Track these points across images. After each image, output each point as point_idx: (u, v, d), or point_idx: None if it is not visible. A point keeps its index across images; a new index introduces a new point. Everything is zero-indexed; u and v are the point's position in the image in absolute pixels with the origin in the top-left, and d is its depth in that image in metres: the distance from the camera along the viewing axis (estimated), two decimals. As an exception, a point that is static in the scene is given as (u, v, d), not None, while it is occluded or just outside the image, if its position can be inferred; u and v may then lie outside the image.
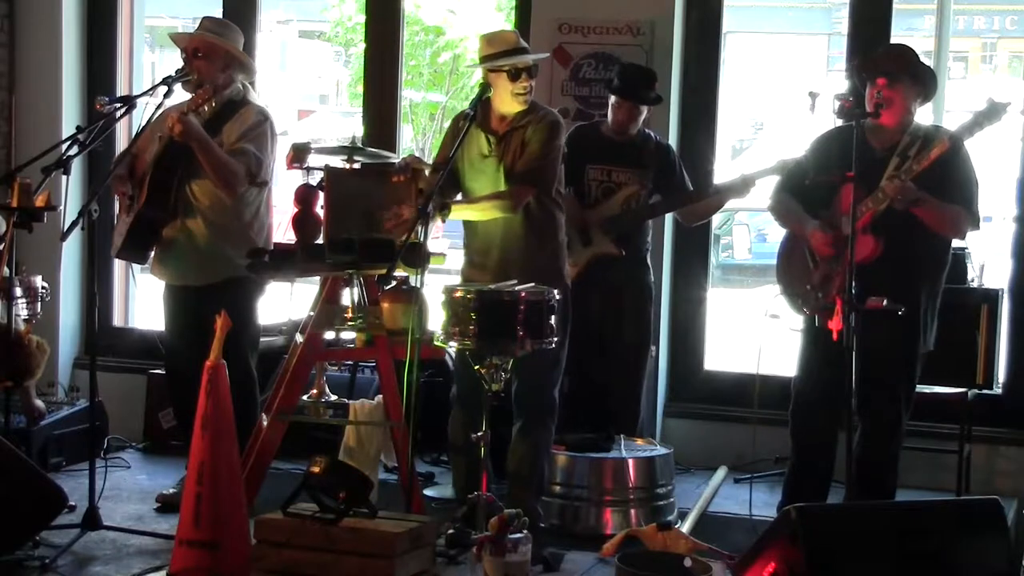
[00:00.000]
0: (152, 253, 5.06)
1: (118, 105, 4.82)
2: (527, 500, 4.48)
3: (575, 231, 5.25)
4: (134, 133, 4.84)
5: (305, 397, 4.70)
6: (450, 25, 13.99)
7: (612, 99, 5.42)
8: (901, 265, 4.54)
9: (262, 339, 5.27)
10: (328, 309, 4.58)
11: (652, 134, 5.53)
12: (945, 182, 4.52)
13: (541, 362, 4.48)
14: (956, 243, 4.90)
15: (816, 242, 4.68)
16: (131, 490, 5.31)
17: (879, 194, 4.49)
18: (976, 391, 5.40)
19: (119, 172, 4.92)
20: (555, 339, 4.31)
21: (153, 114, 4.89)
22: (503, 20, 6.18)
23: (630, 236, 5.41)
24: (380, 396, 4.72)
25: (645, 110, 5.42)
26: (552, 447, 4.89)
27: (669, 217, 5.91)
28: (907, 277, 4.56)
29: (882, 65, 4.65)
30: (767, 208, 5.02)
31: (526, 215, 4.58)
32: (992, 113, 4.44)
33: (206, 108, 4.81)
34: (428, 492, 5.25)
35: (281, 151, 5.01)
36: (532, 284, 4.36)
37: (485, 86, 4.59)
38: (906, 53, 4.72)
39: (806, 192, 4.78)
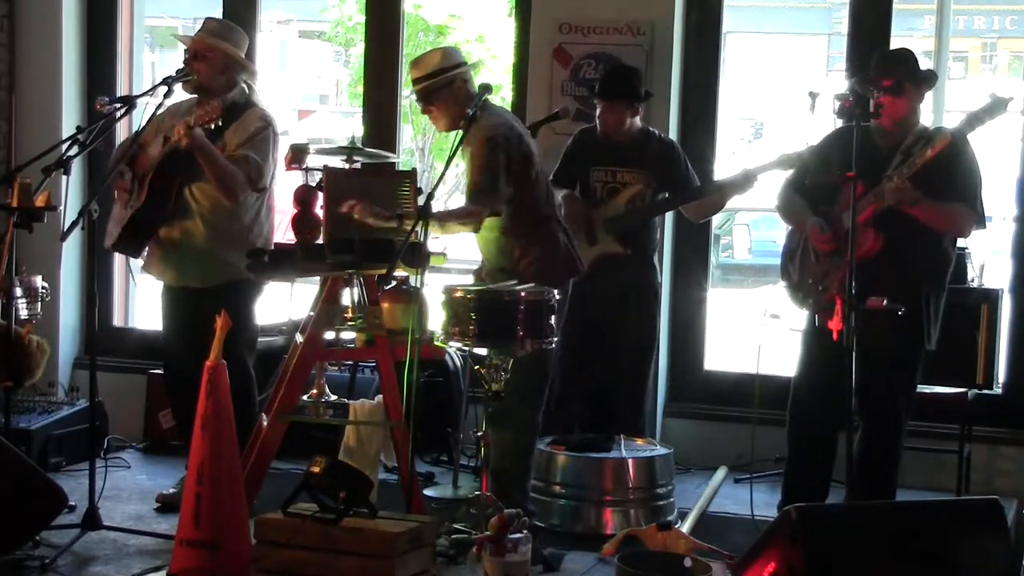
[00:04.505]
0: (147, 249, 5.05)
1: (118, 105, 4.82)
2: (510, 493, 4.46)
3: (581, 231, 5.25)
4: (135, 132, 4.83)
5: (305, 397, 4.71)
6: (454, 29, 13.95)
7: (599, 106, 5.41)
8: (903, 264, 4.54)
9: (262, 339, 5.27)
10: (328, 309, 4.58)
11: (655, 132, 5.52)
12: (947, 180, 4.52)
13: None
14: (957, 243, 4.89)
15: (813, 239, 4.69)
16: (131, 490, 5.31)
17: (881, 191, 4.49)
18: (976, 391, 5.40)
19: (121, 170, 4.92)
20: (555, 339, 4.31)
21: (155, 111, 4.89)
22: (512, 24, 6.13)
23: (636, 235, 5.39)
24: (380, 396, 4.72)
25: (637, 109, 5.40)
26: (553, 447, 4.89)
27: (669, 218, 5.90)
28: (909, 276, 4.56)
29: (883, 75, 4.61)
30: (774, 207, 5.01)
31: (493, 227, 4.58)
32: (995, 108, 4.43)
33: (212, 127, 4.78)
34: (428, 492, 5.24)
35: (281, 152, 5.00)
36: (532, 284, 4.36)
37: (485, 87, 4.58)
38: (906, 58, 4.70)
39: (811, 190, 4.79)
